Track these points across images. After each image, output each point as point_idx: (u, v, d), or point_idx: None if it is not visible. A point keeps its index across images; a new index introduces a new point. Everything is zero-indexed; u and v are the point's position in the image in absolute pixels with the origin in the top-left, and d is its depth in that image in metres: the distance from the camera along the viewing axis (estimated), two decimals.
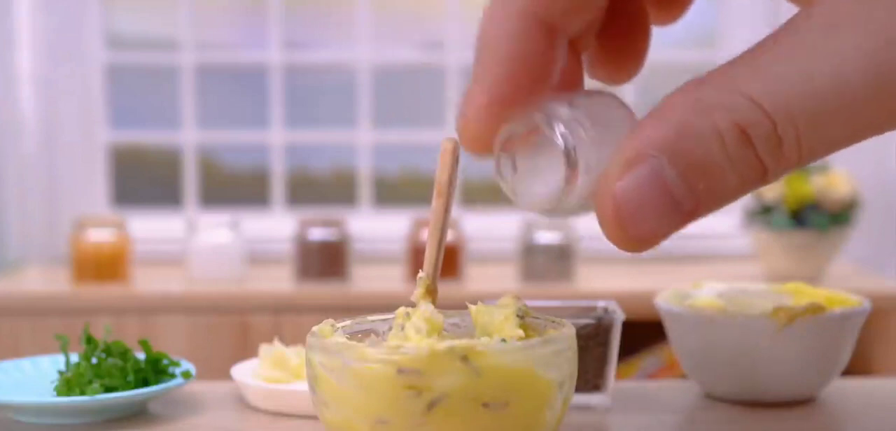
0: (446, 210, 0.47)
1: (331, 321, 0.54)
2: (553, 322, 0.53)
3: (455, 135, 0.43)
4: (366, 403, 0.47)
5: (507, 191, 0.43)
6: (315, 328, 0.53)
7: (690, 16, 0.47)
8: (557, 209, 0.42)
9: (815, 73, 0.35)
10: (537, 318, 0.53)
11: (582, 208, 0.42)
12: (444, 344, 0.46)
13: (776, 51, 0.36)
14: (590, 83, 0.46)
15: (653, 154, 0.36)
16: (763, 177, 0.37)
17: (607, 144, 0.41)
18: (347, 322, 0.55)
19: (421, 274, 0.50)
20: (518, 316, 0.52)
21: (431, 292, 0.50)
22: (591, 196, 0.40)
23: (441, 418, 0.46)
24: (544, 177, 0.42)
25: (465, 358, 0.46)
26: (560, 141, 0.41)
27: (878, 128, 0.37)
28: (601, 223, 0.39)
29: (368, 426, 0.47)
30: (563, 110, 0.41)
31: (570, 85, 0.44)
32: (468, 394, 0.46)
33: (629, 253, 0.40)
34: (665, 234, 0.38)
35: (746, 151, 0.36)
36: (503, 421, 0.46)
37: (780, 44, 0.36)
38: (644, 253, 0.40)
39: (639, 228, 0.37)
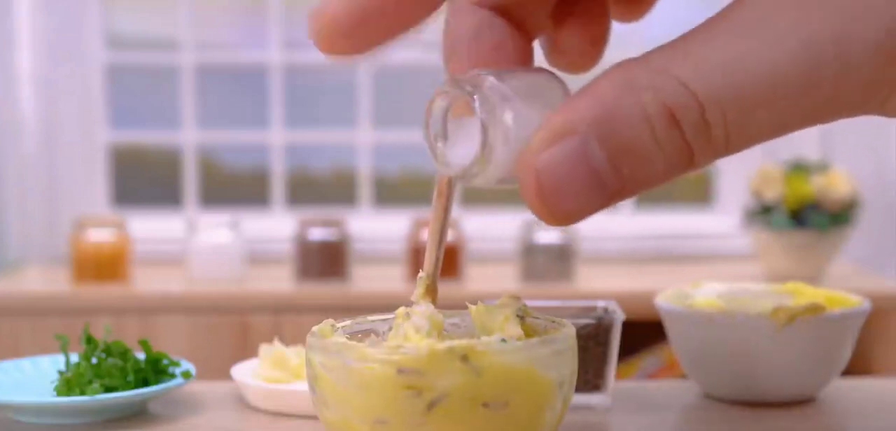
0: (446, 210, 0.47)
1: (331, 321, 0.54)
2: (553, 322, 0.53)
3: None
4: (365, 403, 0.47)
5: (433, 157, 0.43)
6: (315, 328, 0.53)
7: (682, 14, 0.46)
8: (479, 178, 0.42)
9: (747, 61, 0.34)
10: (537, 318, 0.53)
11: (506, 180, 0.41)
12: (443, 344, 0.46)
13: (710, 36, 0.35)
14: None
15: (580, 130, 0.36)
16: (690, 162, 0.36)
17: (534, 119, 0.40)
18: (347, 322, 0.55)
19: (421, 273, 0.50)
20: (518, 316, 0.52)
21: (431, 292, 0.50)
22: (514, 168, 0.40)
23: (441, 418, 0.46)
24: (467, 147, 0.42)
25: (465, 358, 0.46)
26: (478, 108, 0.40)
27: (807, 120, 0.36)
28: (523, 195, 0.38)
29: (368, 426, 0.47)
30: (489, 80, 0.41)
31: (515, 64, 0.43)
32: (468, 394, 0.46)
33: (559, 228, 0.39)
34: (588, 212, 0.37)
35: (674, 135, 0.35)
36: (503, 421, 0.46)
37: (714, 29, 0.35)
38: (639, 249, 0.40)
39: (561, 204, 0.37)
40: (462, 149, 0.42)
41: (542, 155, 0.37)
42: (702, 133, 0.35)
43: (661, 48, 0.36)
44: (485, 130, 0.40)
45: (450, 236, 1.96)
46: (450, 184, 0.45)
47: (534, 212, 0.38)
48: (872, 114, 0.37)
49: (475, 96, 0.40)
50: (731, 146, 0.36)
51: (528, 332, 0.52)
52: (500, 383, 0.46)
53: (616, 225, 2.30)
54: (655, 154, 0.36)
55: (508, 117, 0.40)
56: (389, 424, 0.46)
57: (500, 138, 0.40)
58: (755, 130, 0.35)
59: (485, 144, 0.40)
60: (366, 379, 0.47)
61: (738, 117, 0.35)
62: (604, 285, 1.93)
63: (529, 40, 0.45)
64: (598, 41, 0.45)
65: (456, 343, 0.47)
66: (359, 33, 0.40)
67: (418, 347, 0.46)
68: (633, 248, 2.26)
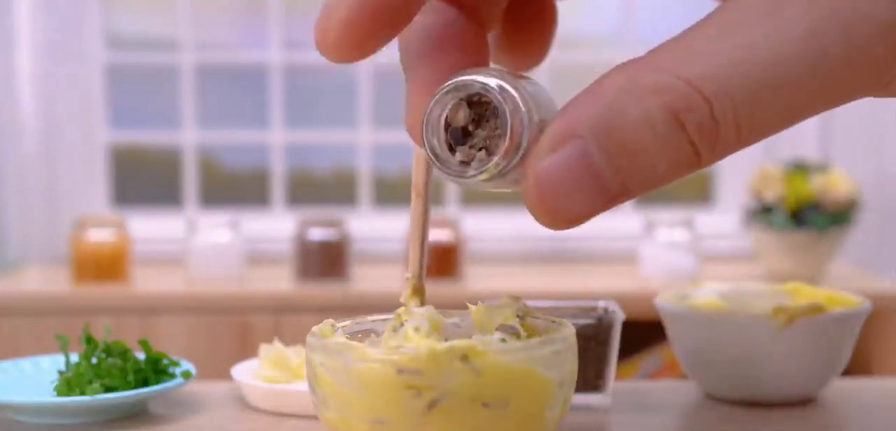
0: (426, 210, 0.47)
1: (331, 321, 0.54)
2: (553, 322, 0.53)
3: None
4: (366, 403, 0.47)
5: (439, 164, 0.42)
6: (315, 328, 0.53)
7: (680, 14, 0.47)
8: (494, 182, 0.41)
9: (753, 50, 0.34)
10: (537, 318, 0.53)
11: (512, 183, 0.41)
12: (444, 344, 0.46)
13: (713, 32, 0.35)
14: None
15: (581, 134, 0.36)
16: (696, 163, 0.36)
17: (542, 119, 0.40)
18: (347, 322, 0.55)
19: (407, 275, 0.50)
20: (518, 316, 0.52)
21: (419, 292, 0.50)
22: (520, 171, 0.40)
23: (441, 418, 0.46)
24: (478, 148, 0.41)
25: (465, 358, 0.46)
26: (507, 107, 0.40)
27: (815, 109, 0.36)
28: (526, 199, 0.38)
29: (368, 425, 0.47)
30: (499, 77, 0.40)
31: (476, 63, 0.43)
32: (468, 394, 0.46)
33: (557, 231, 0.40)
34: (589, 215, 0.37)
35: (678, 136, 0.35)
36: (503, 421, 0.46)
37: (716, 25, 0.35)
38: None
39: (563, 208, 0.37)
40: (470, 152, 0.42)
41: (545, 160, 0.37)
42: (710, 131, 0.35)
43: (665, 46, 0.36)
44: (514, 130, 0.40)
45: (450, 236, 1.96)
46: (427, 182, 0.45)
47: (535, 217, 0.38)
48: (878, 94, 0.37)
49: (504, 94, 0.40)
50: (742, 139, 0.35)
51: (529, 332, 0.52)
52: (500, 383, 0.46)
53: (617, 225, 2.30)
54: (658, 157, 0.35)
55: (525, 111, 0.40)
56: (389, 424, 0.46)
57: (525, 139, 0.40)
58: (766, 123, 0.35)
59: (511, 135, 0.40)
60: (366, 379, 0.47)
61: (747, 112, 0.34)
62: (604, 285, 1.93)
63: (483, 34, 0.44)
64: (546, 39, 0.46)
65: (456, 342, 0.47)
66: (365, 39, 0.41)
67: (418, 347, 0.46)
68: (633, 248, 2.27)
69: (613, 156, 0.35)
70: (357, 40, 0.40)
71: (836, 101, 0.36)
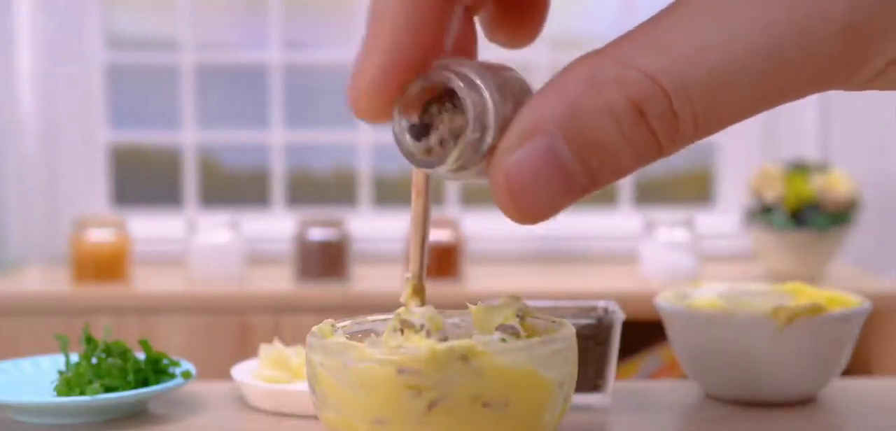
0: (426, 209, 0.47)
1: (331, 321, 0.54)
2: (553, 322, 0.53)
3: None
4: (366, 403, 0.47)
5: (405, 153, 0.43)
6: (315, 328, 0.53)
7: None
8: (458, 174, 0.42)
9: (711, 46, 0.35)
10: (537, 318, 0.53)
11: (477, 175, 0.42)
12: (444, 344, 0.46)
13: (672, 23, 0.36)
14: (486, 50, 0.46)
15: (547, 128, 0.37)
16: (658, 152, 0.37)
17: (507, 111, 0.40)
18: (347, 322, 0.55)
19: (407, 275, 0.50)
20: (518, 316, 0.52)
21: (419, 292, 0.50)
22: (486, 166, 0.40)
23: (441, 418, 0.46)
24: (444, 138, 0.42)
25: (465, 358, 0.46)
26: (469, 99, 0.40)
27: (771, 102, 0.37)
28: (493, 194, 0.39)
29: (368, 425, 0.47)
30: (467, 69, 0.41)
31: (465, 50, 0.44)
32: (468, 394, 0.46)
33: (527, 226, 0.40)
34: (558, 209, 0.38)
35: (641, 128, 0.36)
36: (503, 421, 0.46)
37: (676, 16, 0.36)
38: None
39: (531, 203, 0.38)
40: (434, 143, 0.42)
41: (511, 156, 0.38)
42: (669, 123, 0.36)
43: (625, 37, 0.37)
44: (478, 120, 0.40)
45: (449, 236, 1.96)
46: (427, 181, 0.45)
47: (504, 212, 0.39)
48: (837, 89, 0.38)
49: (467, 86, 0.40)
50: (699, 132, 0.36)
51: (529, 332, 0.52)
52: (501, 383, 0.46)
53: (617, 225, 2.30)
54: (623, 148, 0.36)
55: (492, 109, 0.40)
56: (390, 424, 0.46)
57: (491, 129, 0.40)
58: (723, 116, 0.36)
59: (475, 137, 0.40)
60: (366, 379, 0.46)
61: (704, 105, 0.35)
62: (604, 285, 1.93)
63: (470, 16, 0.45)
64: (541, 13, 0.46)
65: (456, 343, 0.47)
66: (395, 96, 0.42)
67: (418, 347, 0.46)
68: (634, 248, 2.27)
69: (579, 148, 0.36)
70: (387, 99, 0.42)
71: (794, 96, 0.37)
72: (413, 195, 0.46)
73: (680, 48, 0.35)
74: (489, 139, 0.40)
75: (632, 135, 0.36)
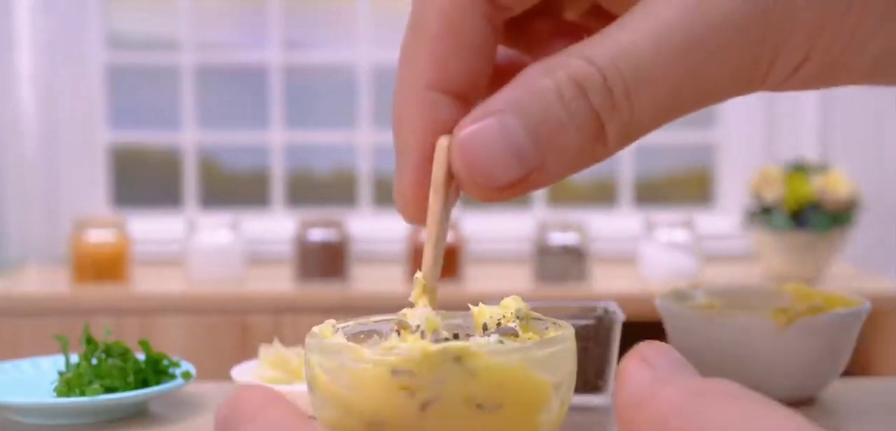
0: (444, 208, 0.46)
1: (332, 321, 0.54)
2: (553, 323, 0.53)
3: (450, 136, 0.43)
4: (361, 404, 0.47)
5: None
6: (315, 328, 0.53)
7: None
8: None
9: (639, 35, 0.40)
10: (539, 319, 0.53)
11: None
12: (436, 345, 0.46)
13: (623, 21, 0.40)
14: None
15: (500, 108, 0.40)
16: (600, 131, 0.40)
17: None
18: (350, 323, 0.54)
19: (417, 274, 0.50)
20: (518, 317, 0.52)
21: (429, 292, 0.50)
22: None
23: (435, 419, 0.46)
24: None
25: (457, 359, 0.46)
26: None
27: (696, 100, 0.41)
28: (453, 168, 0.42)
29: (364, 426, 0.47)
30: None
31: (510, 72, 0.45)
32: (461, 396, 0.46)
33: (489, 203, 0.44)
34: (511, 185, 0.41)
35: (582, 102, 0.40)
36: (498, 423, 0.46)
37: (629, 15, 0.40)
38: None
39: (483, 175, 0.41)
40: None
41: (466, 128, 0.41)
42: (606, 99, 0.40)
43: (588, 39, 0.41)
44: None
45: (449, 236, 1.96)
46: (446, 179, 0.45)
47: (463, 188, 0.43)
48: (757, 90, 0.42)
49: None
50: (635, 114, 0.40)
51: (530, 334, 0.52)
52: (495, 384, 0.46)
53: (617, 225, 2.30)
54: (567, 123, 0.40)
55: None
56: (384, 425, 0.46)
57: None
58: (653, 101, 0.40)
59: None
60: (361, 380, 0.46)
61: (635, 85, 0.39)
62: (604, 285, 1.93)
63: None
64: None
65: (449, 343, 0.46)
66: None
67: (411, 348, 0.46)
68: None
69: (528, 126, 0.40)
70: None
71: (717, 97, 0.41)
72: (430, 191, 0.45)
73: (616, 37, 0.40)
74: None
75: (574, 110, 0.40)
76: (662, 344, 0.45)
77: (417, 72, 0.44)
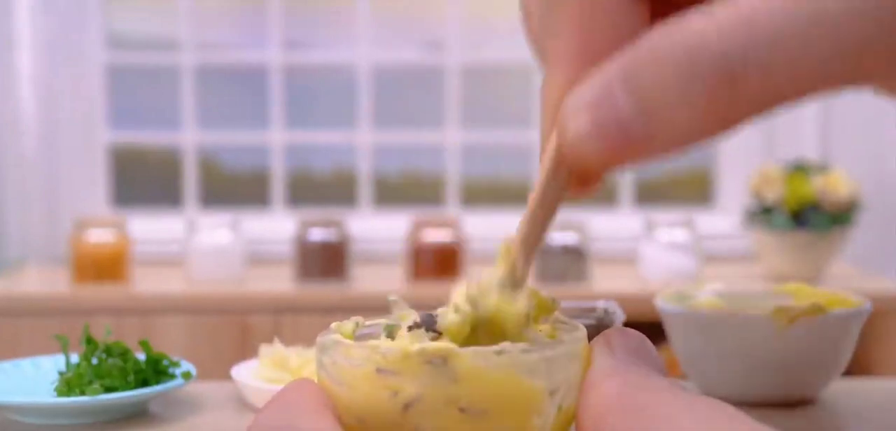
0: (550, 181, 0.44)
1: (357, 318, 0.53)
2: (565, 323, 0.52)
3: None
4: (350, 401, 0.47)
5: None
6: (333, 325, 0.52)
7: None
8: None
9: (759, 18, 0.35)
10: (563, 321, 0.52)
11: None
12: (418, 345, 0.46)
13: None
14: None
15: (606, 75, 0.37)
16: (714, 104, 0.37)
17: None
18: (381, 320, 0.54)
19: (507, 239, 0.50)
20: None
21: (510, 262, 0.50)
22: None
23: (417, 419, 0.45)
24: None
25: (442, 360, 0.45)
26: None
27: (818, 82, 0.36)
28: (558, 139, 0.39)
29: (355, 422, 0.47)
30: None
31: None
32: (443, 397, 0.45)
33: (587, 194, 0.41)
34: (613, 156, 0.38)
35: (697, 83, 0.36)
36: (481, 426, 0.46)
37: None
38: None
39: (585, 146, 0.38)
40: None
41: (571, 96, 0.38)
42: (726, 81, 0.36)
43: (696, 12, 0.37)
44: None
45: (449, 236, 1.96)
46: (560, 150, 0.42)
47: (564, 158, 0.39)
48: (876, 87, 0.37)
49: None
50: (766, 89, 0.36)
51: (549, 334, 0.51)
52: (478, 389, 0.46)
53: (617, 225, 2.30)
54: (679, 100, 0.36)
55: None
56: (370, 423, 0.46)
57: None
58: (774, 84, 0.36)
59: None
60: (350, 377, 0.46)
61: (756, 69, 0.35)
62: (603, 285, 1.93)
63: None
64: None
65: (431, 344, 0.46)
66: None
67: (396, 347, 0.46)
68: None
69: (636, 97, 0.37)
70: None
71: (844, 73, 0.36)
72: (541, 161, 0.44)
73: (737, 14, 0.35)
74: None
75: (690, 90, 0.36)
76: (633, 331, 0.45)
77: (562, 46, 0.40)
